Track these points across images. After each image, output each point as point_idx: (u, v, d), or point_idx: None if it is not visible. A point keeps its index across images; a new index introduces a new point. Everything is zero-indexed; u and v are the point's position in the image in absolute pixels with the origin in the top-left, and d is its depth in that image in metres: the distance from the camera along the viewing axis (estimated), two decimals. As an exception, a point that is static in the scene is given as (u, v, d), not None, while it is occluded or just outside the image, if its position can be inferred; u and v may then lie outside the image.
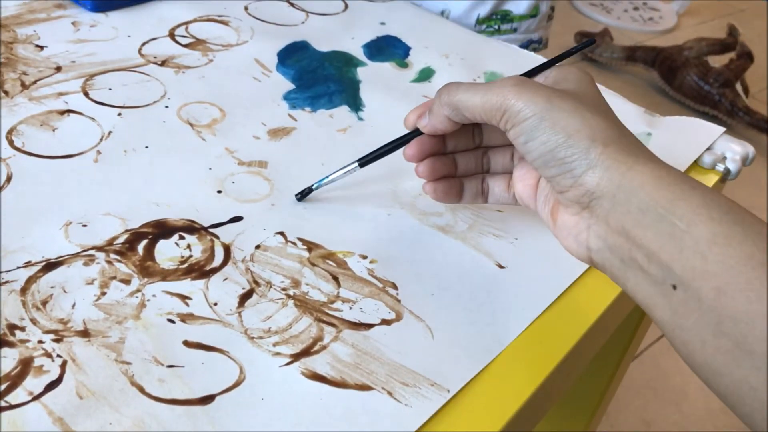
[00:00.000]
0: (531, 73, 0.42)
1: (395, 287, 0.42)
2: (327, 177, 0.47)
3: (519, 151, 0.37)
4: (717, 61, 2.15)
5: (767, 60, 2.44)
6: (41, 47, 0.58)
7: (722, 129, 0.61)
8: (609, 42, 2.29)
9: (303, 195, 0.47)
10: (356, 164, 0.46)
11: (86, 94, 0.53)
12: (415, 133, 0.43)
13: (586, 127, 0.35)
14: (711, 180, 0.57)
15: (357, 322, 0.40)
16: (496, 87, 0.37)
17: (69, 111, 0.51)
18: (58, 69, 0.55)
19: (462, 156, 0.44)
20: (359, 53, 0.65)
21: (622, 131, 0.36)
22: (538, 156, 0.36)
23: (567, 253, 0.38)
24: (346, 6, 0.73)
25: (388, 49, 0.66)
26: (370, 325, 0.39)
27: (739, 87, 2.11)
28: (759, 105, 2.20)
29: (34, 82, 0.53)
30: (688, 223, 0.31)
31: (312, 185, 0.47)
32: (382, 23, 0.70)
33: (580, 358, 0.44)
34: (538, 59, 0.68)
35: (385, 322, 0.40)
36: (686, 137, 0.60)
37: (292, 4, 0.71)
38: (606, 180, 0.34)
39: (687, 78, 2.10)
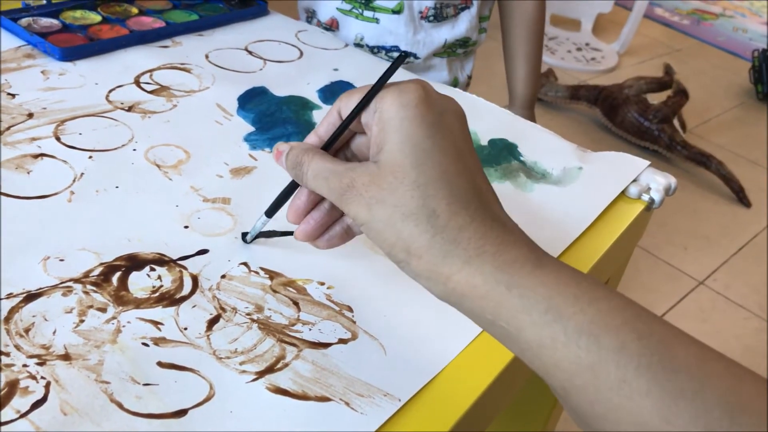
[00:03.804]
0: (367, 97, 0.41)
1: (351, 310, 0.46)
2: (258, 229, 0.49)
3: None
4: (655, 98, 2.27)
5: (702, 97, 2.57)
6: (13, 95, 0.61)
7: (647, 162, 0.68)
8: (553, 81, 2.40)
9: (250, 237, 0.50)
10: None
11: (58, 139, 0.57)
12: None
13: (400, 241, 0.36)
14: (637, 209, 0.63)
15: (316, 341, 0.44)
16: (334, 194, 0.38)
17: (42, 155, 0.55)
18: (30, 115, 0.59)
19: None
20: (314, 97, 0.70)
21: (438, 228, 0.35)
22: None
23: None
24: (302, 53, 0.78)
25: (341, 93, 0.71)
26: (328, 344, 0.43)
27: (676, 122, 2.22)
28: (695, 139, 2.32)
29: (8, 128, 0.57)
30: (516, 328, 0.34)
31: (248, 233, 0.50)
32: (335, 69, 0.76)
33: (520, 370, 0.49)
34: (478, 100, 0.74)
35: (342, 341, 0.44)
36: (614, 170, 0.66)
37: (250, 52, 0.76)
38: (436, 291, 0.37)
39: (628, 115, 2.21)
